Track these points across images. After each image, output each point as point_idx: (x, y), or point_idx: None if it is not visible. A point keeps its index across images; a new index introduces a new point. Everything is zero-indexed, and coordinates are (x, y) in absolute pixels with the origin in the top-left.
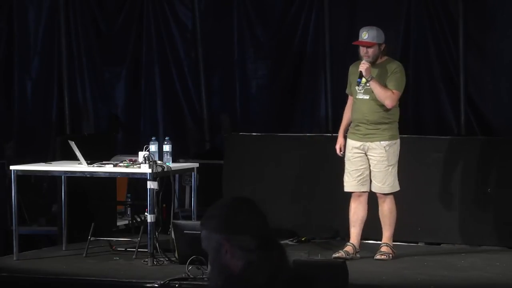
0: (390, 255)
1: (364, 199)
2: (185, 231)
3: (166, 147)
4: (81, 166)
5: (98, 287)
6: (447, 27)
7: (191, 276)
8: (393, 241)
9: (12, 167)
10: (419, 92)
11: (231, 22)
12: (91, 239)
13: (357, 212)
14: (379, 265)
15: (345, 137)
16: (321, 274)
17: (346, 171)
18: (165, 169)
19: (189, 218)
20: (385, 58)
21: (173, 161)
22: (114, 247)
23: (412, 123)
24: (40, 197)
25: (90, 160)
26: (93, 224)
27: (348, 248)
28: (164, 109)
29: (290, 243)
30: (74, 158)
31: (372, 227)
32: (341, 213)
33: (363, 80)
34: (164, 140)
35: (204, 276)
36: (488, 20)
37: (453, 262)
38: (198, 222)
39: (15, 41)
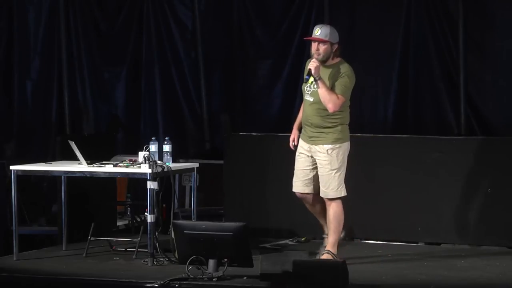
0: None
1: (309, 200)
2: (185, 231)
3: (166, 147)
4: (81, 166)
5: (98, 287)
6: (447, 27)
7: (191, 276)
8: (393, 241)
9: (12, 167)
10: (419, 92)
11: (231, 22)
12: (91, 239)
13: (312, 209)
14: (379, 265)
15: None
16: (321, 274)
17: (295, 170)
18: (165, 169)
19: (189, 218)
20: (337, 59)
21: (173, 161)
22: (114, 247)
23: (412, 123)
24: (40, 197)
25: (90, 160)
26: (93, 224)
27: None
28: (164, 109)
29: (290, 243)
30: (74, 158)
31: (371, 227)
32: None
33: (310, 79)
34: (164, 140)
35: (204, 276)
36: (488, 20)
37: (453, 262)
38: (198, 222)
39: (15, 41)
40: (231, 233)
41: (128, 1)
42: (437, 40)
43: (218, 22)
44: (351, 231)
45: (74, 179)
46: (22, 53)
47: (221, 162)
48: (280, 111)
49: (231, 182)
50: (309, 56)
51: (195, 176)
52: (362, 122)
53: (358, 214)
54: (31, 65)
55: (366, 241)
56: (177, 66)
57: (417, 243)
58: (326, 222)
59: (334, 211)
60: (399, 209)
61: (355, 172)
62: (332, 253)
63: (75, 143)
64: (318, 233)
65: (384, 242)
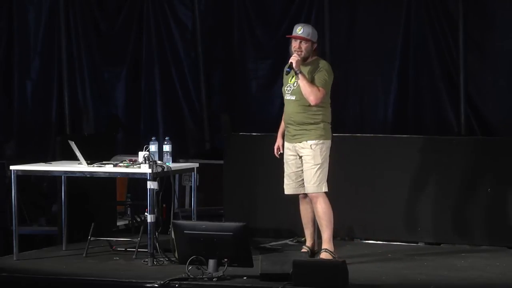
0: None
1: (309, 200)
2: (185, 231)
3: (166, 147)
4: (81, 166)
5: (98, 287)
6: (447, 27)
7: (191, 276)
8: (393, 241)
9: (12, 167)
10: (419, 92)
11: (231, 22)
12: (91, 239)
13: (306, 214)
14: (379, 265)
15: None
16: (321, 274)
17: (284, 173)
18: (165, 169)
19: (189, 218)
20: (315, 57)
21: (173, 161)
22: (114, 247)
23: (412, 123)
24: (40, 197)
25: (90, 160)
26: (93, 224)
27: (304, 250)
28: (164, 109)
29: (290, 243)
30: (74, 158)
31: (371, 227)
32: (341, 213)
33: (291, 73)
34: (164, 140)
35: (204, 276)
36: (488, 20)
37: (453, 262)
38: (198, 222)
39: (15, 41)
40: (231, 233)
41: (128, 1)
42: (437, 40)
43: (218, 22)
44: (351, 231)
45: (74, 179)
46: (22, 53)
47: (221, 162)
48: (280, 111)
49: (231, 182)
50: None
51: (195, 176)
52: (362, 122)
53: (358, 214)
54: (31, 65)
55: (366, 241)
56: (177, 66)
57: (417, 243)
58: (314, 229)
59: (321, 207)
60: (399, 209)
61: (355, 172)
62: (330, 250)
63: (75, 143)
64: (318, 233)
65: (384, 242)
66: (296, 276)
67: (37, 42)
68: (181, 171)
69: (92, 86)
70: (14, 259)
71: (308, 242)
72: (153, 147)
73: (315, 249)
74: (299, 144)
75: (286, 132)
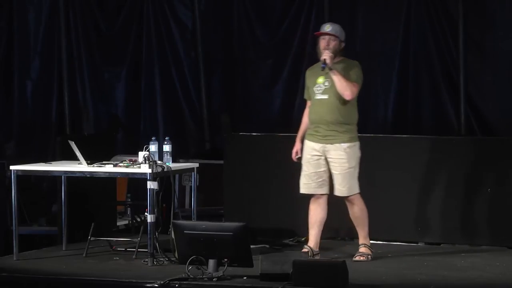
0: (369, 256)
1: (323, 201)
2: (185, 231)
3: (166, 147)
4: (81, 166)
5: (98, 287)
6: (447, 27)
7: (191, 276)
8: (393, 241)
9: (12, 167)
10: (419, 92)
11: (231, 22)
12: (91, 239)
13: (316, 214)
14: (379, 265)
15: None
16: (321, 274)
17: (303, 173)
18: (165, 169)
19: (189, 218)
20: (342, 58)
21: (173, 161)
22: (114, 247)
23: (412, 123)
24: (40, 197)
25: (90, 160)
26: (93, 224)
27: (305, 250)
28: (164, 109)
29: (290, 243)
30: (74, 158)
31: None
32: (341, 213)
33: (326, 69)
34: (164, 140)
35: (204, 276)
36: (488, 20)
37: (453, 262)
38: (198, 222)
39: (15, 41)
40: (231, 233)
41: (128, 1)
42: (437, 40)
43: (218, 22)
44: (351, 231)
45: (74, 179)
46: (22, 53)
47: (221, 162)
48: (280, 111)
49: (231, 182)
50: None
51: (195, 176)
52: (362, 122)
53: None
54: (31, 65)
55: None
56: (177, 66)
57: (417, 243)
58: (319, 232)
59: (358, 207)
60: (399, 209)
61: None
62: (368, 245)
63: (75, 143)
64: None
65: (384, 242)
66: (296, 276)
67: (37, 42)
68: (181, 171)
69: (92, 86)
70: (14, 259)
71: (311, 243)
72: (153, 147)
73: (316, 251)
74: (330, 145)
75: (313, 132)
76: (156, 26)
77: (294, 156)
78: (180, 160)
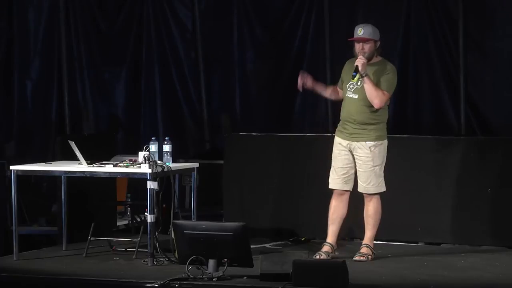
0: (370, 256)
1: (346, 197)
2: (185, 231)
3: (166, 147)
4: (81, 166)
5: (98, 287)
6: (447, 27)
7: (191, 276)
8: (393, 241)
9: (12, 167)
10: (419, 92)
11: (231, 22)
12: (91, 239)
13: (337, 210)
14: (379, 265)
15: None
16: (321, 274)
17: (332, 168)
18: (165, 169)
19: (189, 218)
20: (379, 58)
21: (173, 161)
22: (114, 247)
23: (412, 123)
24: (40, 197)
25: (90, 160)
26: (93, 224)
27: (326, 248)
28: (164, 109)
29: (290, 243)
30: (74, 158)
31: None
32: None
33: (357, 76)
34: (164, 140)
35: (204, 276)
36: (488, 20)
37: (453, 262)
38: (198, 222)
39: (15, 41)
40: (231, 233)
41: (128, 1)
42: (437, 40)
43: (218, 22)
44: (351, 231)
45: (74, 179)
46: (22, 53)
47: (221, 162)
48: (280, 111)
49: (231, 182)
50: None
51: (195, 176)
52: None
53: (358, 214)
54: (31, 65)
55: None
56: (177, 66)
57: (417, 243)
58: (339, 228)
59: (374, 207)
60: (399, 209)
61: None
62: (371, 246)
63: (75, 143)
64: (318, 233)
65: (384, 242)
66: (296, 276)
67: (37, 42)
68: (181, 171)
69: (92, 86)
70: (14, 259)
71: (330, 239)
72: (153, 147)
73: (335, 247)
74: (356, 143)
75: (341, 129)
76: (156, 26)
77: (299, 82)
78: (180, 160)
